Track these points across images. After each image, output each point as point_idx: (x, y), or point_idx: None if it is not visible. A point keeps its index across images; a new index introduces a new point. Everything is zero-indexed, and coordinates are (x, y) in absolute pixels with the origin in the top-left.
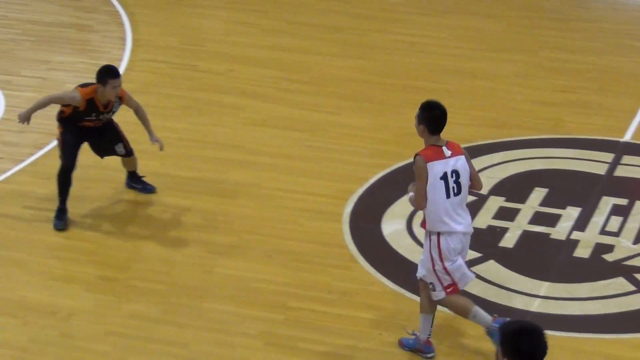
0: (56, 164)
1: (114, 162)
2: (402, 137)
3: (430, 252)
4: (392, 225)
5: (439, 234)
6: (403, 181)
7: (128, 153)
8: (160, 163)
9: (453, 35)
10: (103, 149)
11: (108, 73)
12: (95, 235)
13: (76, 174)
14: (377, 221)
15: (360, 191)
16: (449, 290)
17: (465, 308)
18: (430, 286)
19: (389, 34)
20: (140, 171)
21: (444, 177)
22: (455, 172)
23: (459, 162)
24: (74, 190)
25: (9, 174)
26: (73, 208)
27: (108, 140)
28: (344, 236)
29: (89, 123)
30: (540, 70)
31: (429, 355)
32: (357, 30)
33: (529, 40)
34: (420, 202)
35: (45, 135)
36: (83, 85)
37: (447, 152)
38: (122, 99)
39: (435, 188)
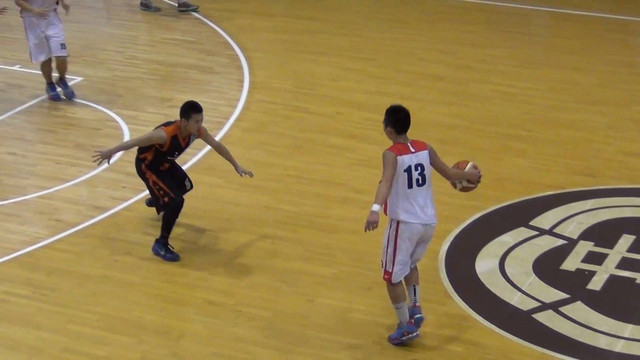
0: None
1: (224, 194)
2: (497, 182)
3: (388, 236)
4: (486, 265)
5: (398, 222)
6: (498, 223)
7: (192, 186)
8: (270, 197)
9: (549, 88)
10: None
11: (192, 108)
12: (206, 262)
13: (189, 204)
14: (471, 260)
15: (456, 231)
16: (385, 276)
17: (397, 297)
18: (381, 263)
19: (488, 84)
20: (250, 205)
21: (408, 170)
22: (420, 165)
23: (422, 156)
24: (186, 220)
25: (130, 202)
26: (186, 236)
27: (179, 178)
28: (439, 273)
29: (167, 164)
30: (630, 123)
31: (414, 335)
32: (458, 80)
33: (620, 94)
34: (384, 193)
35: None
36: (165, 125)
37: (412, 148)
38: (200, 133)
39: (397, 179)
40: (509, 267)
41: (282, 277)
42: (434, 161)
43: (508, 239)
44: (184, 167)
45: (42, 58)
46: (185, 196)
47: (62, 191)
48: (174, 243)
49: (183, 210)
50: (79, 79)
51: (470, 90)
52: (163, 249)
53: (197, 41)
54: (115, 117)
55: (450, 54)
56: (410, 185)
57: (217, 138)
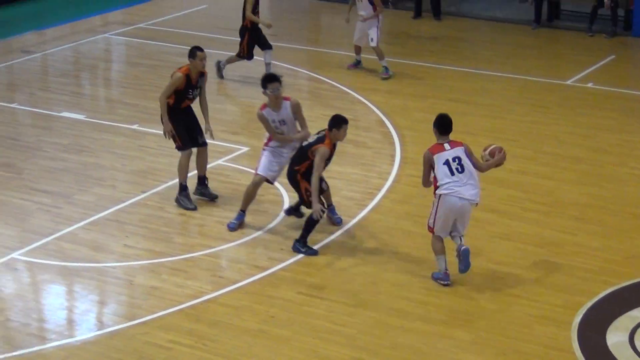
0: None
1: (370, 258)
2: (630, 259)
3: (435, 205)
4: (616, 337)
5: (440, 195)
6: (629, 298)
7: (328, 186)
8: (415, 265)
9: None
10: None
11: (343, 120)
12: (354, 322)
13: (339, 266)
14: (602, 332)
15: (589, 304)
16: (429, 228)
17: (437, 250)
18: (428, 223)
19: (623, 167)
20: (397, 271)
21: (447, 163)
22: (457, 158)
23: (458, 151)
24: (336, 282)
25: (287, 262)
26: (337, 297)
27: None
28: (572, 343)
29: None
30: None
31: (445, 282)
32: (595, 162)
33: None
34: (424, 183)
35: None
36: (320, 141)
37: (447, 147)
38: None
39: (441, 170)
40: (639, 340)
41: (423, 339)
42: (470, 157)
43: (638, 314)
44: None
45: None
46: (335, 262)
47: (225, 250)
48: (334, 305)
49: (331, 274)
50: (245, 149)
51: (606, 172)
52: (304, 247)
53: (354, 118)
54: (278, 185)
55: (588, 138)
56: (452, 173)
57: (368, 208)
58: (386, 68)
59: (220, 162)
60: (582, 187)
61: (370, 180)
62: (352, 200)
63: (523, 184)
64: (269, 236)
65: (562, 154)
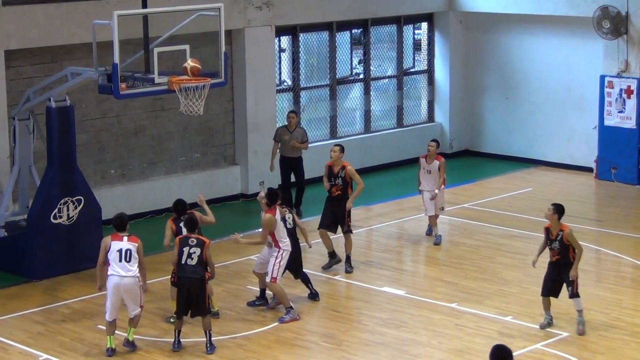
0: None
1: None
2: None
3: (279, 258)
4: None
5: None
6: None
7: None
8: None
9: None
10: None
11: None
12: None
13: None
14: None
15: None
16: (272, 280)
17: (284, 294)
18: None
19: None
20: None
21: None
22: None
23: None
24: None
25: None
26: None
27: None
28: None
29: None
30: None
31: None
32: None
33: None
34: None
35: None
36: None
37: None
38: None
39: (280, 229)
40: None
41: None
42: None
43: None
44: None
45: None
46: None
47: None
48: None
49: None
50: (564, 334)
51: None
52: None
53: None
54: None
55: None
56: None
57: None
58: None
59: (538, 346)
60: None
61: None
62: None
63: None
64: None
65: None
